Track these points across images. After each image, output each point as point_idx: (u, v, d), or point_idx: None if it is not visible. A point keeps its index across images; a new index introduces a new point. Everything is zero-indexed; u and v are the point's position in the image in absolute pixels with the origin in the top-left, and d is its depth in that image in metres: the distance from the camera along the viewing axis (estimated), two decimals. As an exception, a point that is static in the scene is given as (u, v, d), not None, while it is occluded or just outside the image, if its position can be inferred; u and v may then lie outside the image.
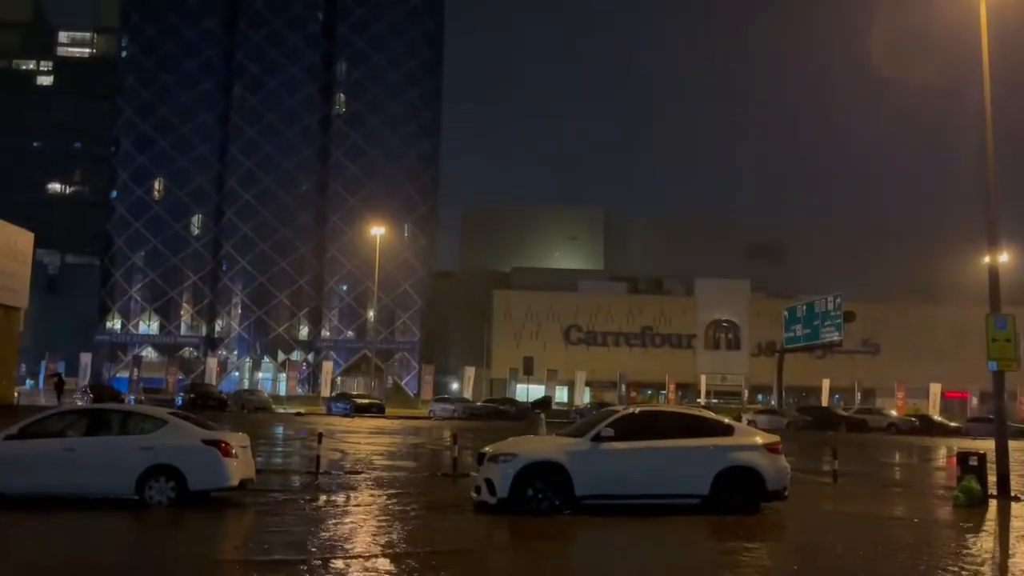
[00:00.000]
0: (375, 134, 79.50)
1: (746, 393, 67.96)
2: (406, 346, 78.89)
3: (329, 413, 49.90)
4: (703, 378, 69.80)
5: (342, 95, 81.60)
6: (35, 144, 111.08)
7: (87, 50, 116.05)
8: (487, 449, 12.58)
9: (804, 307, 54.21)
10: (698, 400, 65.84)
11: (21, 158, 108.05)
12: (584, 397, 64.35)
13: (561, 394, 65.82)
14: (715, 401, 66.02)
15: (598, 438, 12.10)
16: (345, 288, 79.54)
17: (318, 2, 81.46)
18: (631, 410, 13.55)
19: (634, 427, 12.50)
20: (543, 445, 13.23)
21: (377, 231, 57.03)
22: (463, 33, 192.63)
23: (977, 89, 17.12)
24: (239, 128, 79.51)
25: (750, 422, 36.75)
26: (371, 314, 75.12)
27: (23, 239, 43.25)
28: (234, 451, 12.18)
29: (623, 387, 65.54)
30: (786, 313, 56.70)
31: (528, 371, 59.27)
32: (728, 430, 12.82)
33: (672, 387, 66.23)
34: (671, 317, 77.58)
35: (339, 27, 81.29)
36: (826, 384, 61.96)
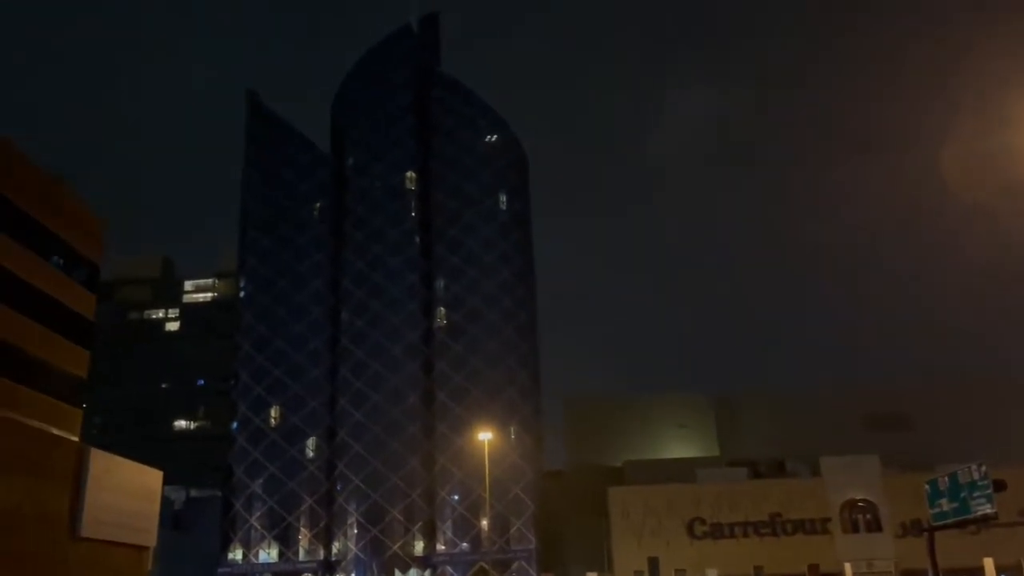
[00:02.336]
0: (475, 343, 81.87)
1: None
2: (523, 554, 76.11)
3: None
4: (847, 566, 63.91)
5: (442, 309, 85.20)
6: (163, 385, 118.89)
7: (209, 294, 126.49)
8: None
9: (947, 479, 49.93)
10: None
11: (152, 400, 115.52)
12: (718, 597, 59.75)
13: (692, 595, 61.38)
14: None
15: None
16: (457, 498, 78.69)
17: (415, 228, 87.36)
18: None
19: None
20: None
21: (484, 436, 57.19)
22: (550, 234, 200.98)
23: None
24: (348, 350, 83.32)
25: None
26: (485, 523, 73.56)
27: (153, 479, 45.18)
28: None
29: (759, 583, 60.67)
30: (927, 487, 52.16)
31: (654, 573, 55.95)
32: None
33: (813, 579, 60.83)
34: (800, 501, 72.73)
35: (435, 247, 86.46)
36: (989, 563, 55.69)
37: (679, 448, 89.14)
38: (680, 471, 76.51)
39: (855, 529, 71.68)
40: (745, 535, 71.68)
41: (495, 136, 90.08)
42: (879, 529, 71.13)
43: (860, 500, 72.48)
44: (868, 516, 72.14)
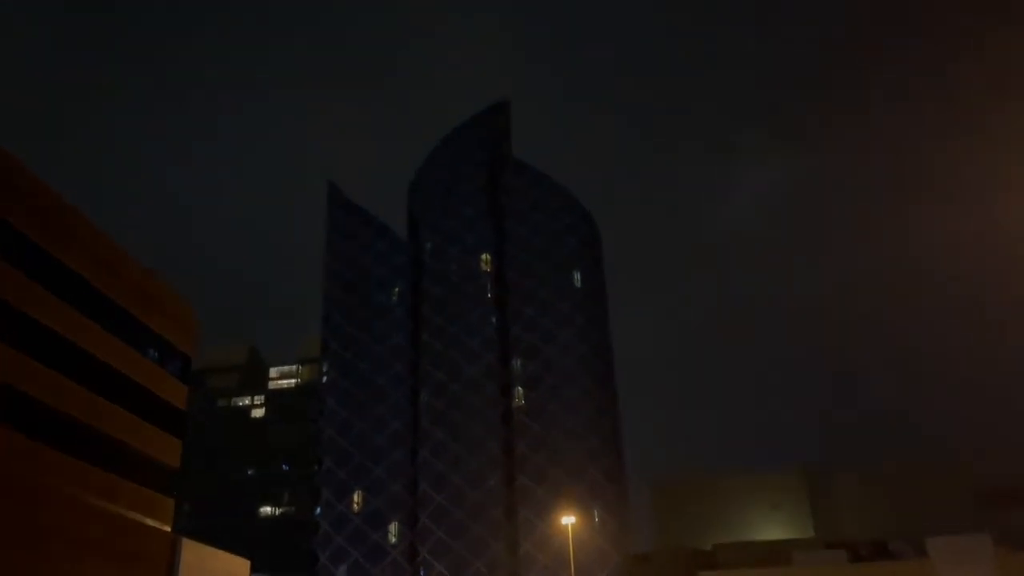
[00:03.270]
0: (555, 422, 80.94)
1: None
2: (612, 644, 73.11)
3: None
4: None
5: (520, 389, 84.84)
6: (249, 472, 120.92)
7: (293, 380, 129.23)
8: None
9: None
10: None
11: (239, 487, 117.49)
12: None
13: None
14: None
15: None
16: (542, 584, 76.57)
17: (492, 308, 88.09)
18: None
19: None
20: None
21: (567, 520, 55.90)
22: (627, 309, 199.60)
23: None
24: (428, 432, 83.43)
25: None
26: (572, 611, 71.11)
27: (241, 567, 45.62)
28: None
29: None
30: (1047, 568, 48.59)
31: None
32: None
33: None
34: (907, 585, 68.10)
35: (512, 327, 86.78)
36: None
37: (771, 529, 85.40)
38: (774, 554, 72.97)
39: (971, 615, 66.46)
40: (849, 623, 67.32)
41: (567, 216, 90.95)
42: (997, 615, 65.79)
43: (974, 583, 67.38)
44: (984, 601, 66.88)
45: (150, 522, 40.72)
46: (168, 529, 43.02)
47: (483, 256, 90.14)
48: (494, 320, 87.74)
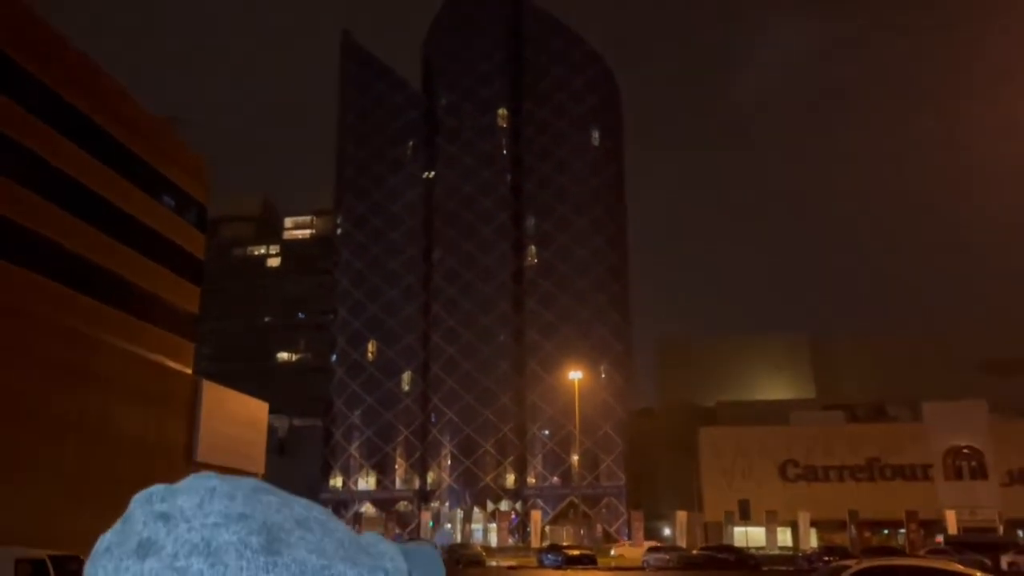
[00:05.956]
0: (566, 281, 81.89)
1: (1001, 528, 59.77)
2: (612, 491, 77.16)
3: (541, 565, 49.22)
4: (950, 514, 61.87)
5: (532, 247, 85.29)
6: (266, 319, 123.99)
7: (308, 231, 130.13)
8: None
9: (1059, 427, 47.84)
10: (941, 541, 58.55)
11: (255, 333, 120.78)
12: (811, 540, 59.27)
13: (784, 537, 61.09)
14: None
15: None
16: (547, 433, 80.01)
17: (507, 166, 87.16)
18: (864, 565, 12.42)
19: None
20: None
21: (575, 375, 57.67)
22: (643, 171, 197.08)
23: None
24: (440, 288, 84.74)
25: None
26: (575, 459, 74.71)
27: (259, 409, 47.63)
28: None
29: (853, 528, 59.80)
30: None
31: (744, 514, 55.86)
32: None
33: (913, 525, 59.52)
34: (900, 446, 70.73)
35: (526, 185, 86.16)
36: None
37: (774, 390, 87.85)
38: (774, 413, 75.41)
39: (958, 476, 69.43)
40: (840, 479, 70.44)
41: (588, 71, 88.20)
42: (984, 476, 68.70)
43: (965, 447, 69.97)
44: (973, 463, 69.68)
45: (172, 364, 42.24)
46: (190, 371, 44.69)
47: (500, 111, 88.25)
48: (509, 178, 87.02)
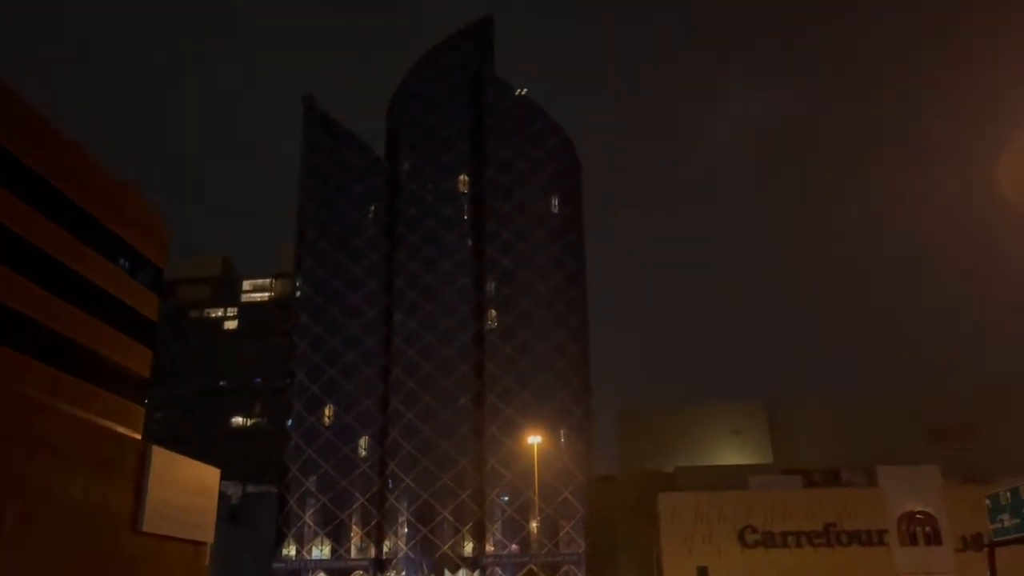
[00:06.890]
0: (526, 346, 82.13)
1: (958, 595, 60.03)
2: (572, 558, 76.07)
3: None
4: (905, 579, 62.32)
5: (493, 311, 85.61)
6: (221, 383, 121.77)
7: (267, 294, 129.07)
8: None
9: (1008, 493, 48.31)
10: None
11: (211, 398, 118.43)
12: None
13: (743, 605, 60.56)
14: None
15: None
16: (507, 499, 79.06)
17: (468, 230, 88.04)
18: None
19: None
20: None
21: (534, 440, 57.38)
22: (601, 237, 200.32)
23: None
24: (400, 351, 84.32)
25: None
26: (534, 525, 73.77)
27: (211, 476, 46.52)
28: None
29: (812, 594, 59.57)
30: (988, 502, 50.70)
31: (703, 581, 55.46)
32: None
33: (869, 592, 59.49)
34: (855, 511, 71.12)
35: (487, 250, 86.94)
36: (1054, 581, 53.79)
37: (732, 455, 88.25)
38: (732, 478, 75.52)
39: (913, 541, 69.84)
40: (798, 545, 70.39)
41: (548, 140, 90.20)
42: (938, 542, 69.17)
43: (919, 512, 70.59)
44: (927, 528, 70.21)
45: (120, 429, 41.25)
46: (139, 436, 43.62)
47: (461, 177, 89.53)
48: (470, 243, 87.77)
